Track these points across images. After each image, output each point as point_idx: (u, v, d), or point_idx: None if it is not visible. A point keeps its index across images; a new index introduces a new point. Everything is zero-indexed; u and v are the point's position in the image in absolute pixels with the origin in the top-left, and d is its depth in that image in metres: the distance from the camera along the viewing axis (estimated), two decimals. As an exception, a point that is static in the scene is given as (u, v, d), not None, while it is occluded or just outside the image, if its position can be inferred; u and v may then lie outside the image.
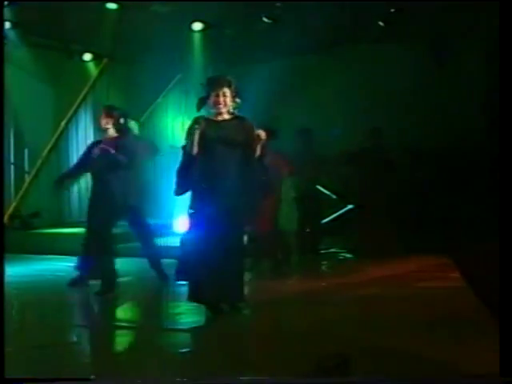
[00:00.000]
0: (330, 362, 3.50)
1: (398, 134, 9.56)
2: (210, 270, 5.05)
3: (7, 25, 9.78)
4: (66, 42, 10.66)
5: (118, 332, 5.25)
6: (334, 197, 10.67)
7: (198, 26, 10.71)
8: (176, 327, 5.15)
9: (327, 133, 10.25)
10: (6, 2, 9.25)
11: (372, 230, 8.18)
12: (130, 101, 12.30)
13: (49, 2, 9.16)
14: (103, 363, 4.25)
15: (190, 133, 5.11)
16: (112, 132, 6.37)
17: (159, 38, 10.34)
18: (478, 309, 3.72)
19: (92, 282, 6.41)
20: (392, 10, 9.51)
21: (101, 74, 11.59)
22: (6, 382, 3.42)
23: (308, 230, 8.61)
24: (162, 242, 9.91)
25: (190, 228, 5.31)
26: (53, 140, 10.55)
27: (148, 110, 12.34)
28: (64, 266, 7.71)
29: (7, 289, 6.06)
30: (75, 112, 11.43)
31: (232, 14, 9.93)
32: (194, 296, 5.22)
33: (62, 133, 11.19)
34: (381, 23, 9.83)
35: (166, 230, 10.52)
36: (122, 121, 6.35)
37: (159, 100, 12.24)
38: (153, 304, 6.36)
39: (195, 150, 5.07)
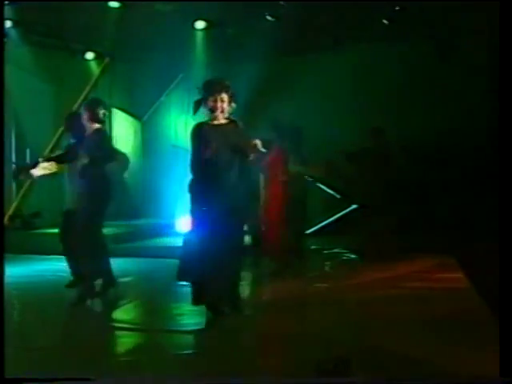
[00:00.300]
0: (329, 365, 3.50)
1: (400, 133, 9.51)
2: (211, 271, 5.06)
3: (8, 24, 9.74)
4: (67, 40, 10.61)
5: (119, 333, 5.21)
6: (338, 196, 10.60)
7: (200, 24, 10.68)
8: (178, 329, 5.13)
9: (330, 132, 10.22)
10: (6, 2, 9.24)
11: (375, 230, 8.12)
12: (132, 100, 12.31)
13: (51, 1, 9.15)
14: (103, 364, 4.22)
15: (193, 138, 5.20)
16: (90, 127, 6.07)
17: (162, 37, 10.32)
18: (482, 309, 3.69)
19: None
20: (396, 8, 9.45)
21: (103, 73, 11.53)
22: (6, 382, 3.43)
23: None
24: (163, 242, 9.94)
25: (192, 228, 5.30)
26: (54, 140, 10.48)
27: (151, 109, 12.31)
28: (65, 266, 7.65)
29: (8, 289, 6.10)
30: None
31: (235, 13, 9.90)
32: (197, 299, 5.22)
33: (63, 132, 11.13)
34: (385, 21, 9.78)
35: (168, 229, 10.48)
36: (101, 114, 6.04)
37: (162, 99, 12.20)
38: (154, 304, 6.29)
39: (201, 153, 5.12)
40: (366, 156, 8.25)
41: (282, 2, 9.65)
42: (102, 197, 6.00)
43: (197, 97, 5.30)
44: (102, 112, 6.02)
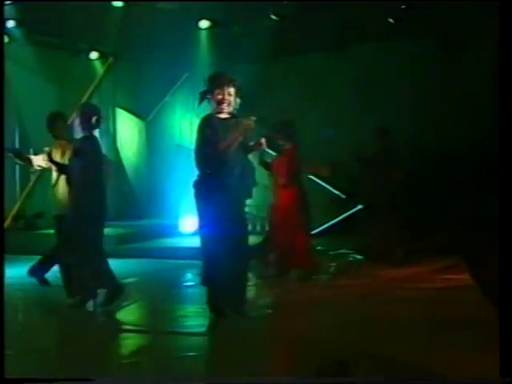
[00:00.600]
0: (329, 370, 3.50)
1: (406, 133, 9.44)
2: (222, 273, 5.05)
3: (12, 23, 9.70)
4: (71, 40, 10.56)
5: (122, 334, 5.18)
6: (344, 196, 10.54)
7: (204, 23, 10.62)
8: (181, 330, 5.09)
9: (335, 132, 10.16)
10: (10, 1, 9.21)
11: (381, 231, 8.05)
12: (136, 99, 12.26)
13: (54, 0, 9.11)
14: (106, 365, 4.21)
15: (201, 131, 5.11)
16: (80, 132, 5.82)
17: (166, 36, 10.27)
18: (489, 310, 3.68)
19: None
20: (403, 7, 9.37)
21: (107, 72, 11.49)
22: (6, 382, 3.42)
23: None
24: (167, 242, 9.89)
25: (206, 228, 5.19)
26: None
27: (155, 108, 12.26)
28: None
29: (12, 290, 6.08)
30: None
31: (239, 12, 9.85)
32: (214, 302, 5.17)
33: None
34: (391, 20, 9.70)
35: (172, 230, 10.43)
36: (93, 120, 5.77)
37: (166, 99, 12.14)
38: (157, 306, 6.24)
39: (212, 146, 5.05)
40: (376, 158, 8.15)
41: (285, 2, 9.59)
42: (95, 208, 5.71)
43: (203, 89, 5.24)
44: (95, 118, 5.77)
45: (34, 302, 6.38)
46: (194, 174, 5.28)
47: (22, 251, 8.14)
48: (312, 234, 8.43)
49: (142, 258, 8.72)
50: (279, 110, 9.52)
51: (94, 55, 11.38)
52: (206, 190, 5.09)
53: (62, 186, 6.20)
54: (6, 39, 9.92)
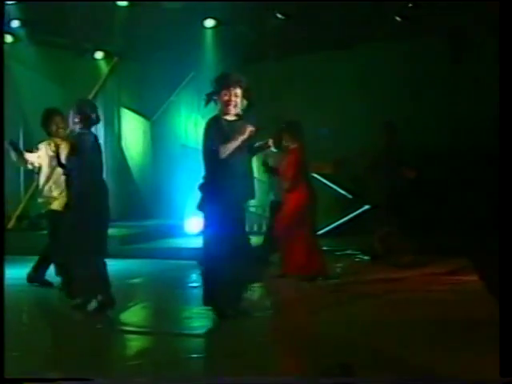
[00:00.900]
0: (332, 373, 3.48)
1: (414, 133, 9.38)
2: (228, 274, 5.01)
3: (17, 23, 9.69)
4: (76, 40, 10.53)
5: (127, 336, 5.14)
6: (350, 196, 10.48)
7: (210, 22, 10.60)
8: (186, 332, 5.06)
9: (342, 130, 10.10)
10: (15, 1, 9.20)
11: (388, 231, 7.99)
12: (141, 99, 12.23)
13: (60, 0, 9.09)
14: (111, 366, 4.20)
15: (208, 133, 5.06)
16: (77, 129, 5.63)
17: (171, 36, 10.25)
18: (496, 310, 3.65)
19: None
20: (409, 5, 9.31)
21: (112, 72, 11.47)
22: (6, 382, 3.41)
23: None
24: (173, 243, 9.85)
25: (213, 229, 5.14)
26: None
27: (160, 108, 12.23)
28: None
29: (15, 291, 6.05)
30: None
31: (244, 11, 9.81)
32: (208, 301, 5.17)
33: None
34: (397, 18, 9.63)
35: (177, 230, 10.39)
36: (90, 116, 5.59)
37: (172, 98, 12.10)
38: (162, 306, 6.18)
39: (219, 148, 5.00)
40: (384, 158, 8.07)
41: (291, 0, 9.54)
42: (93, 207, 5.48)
43: (209, 91, 5.20)
44: (91, 115, 5.58)
45: (38, 302, 6.35)
46: (199, 174, 5.24)
47: (26, 252, 8.10)
48: (318, 235, 8.38)
49: (146, 259, 8.68)
50: (285, 110, 9.47)
51: (98, 55, 11.36)
52: (211, 191, 5.06)
53: (54, 184, 6.12)
54: (11, 39, 9.94)
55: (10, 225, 9.73)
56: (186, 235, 10.18)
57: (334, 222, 10.29)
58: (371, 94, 10.19)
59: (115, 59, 11.46)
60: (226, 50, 10.62)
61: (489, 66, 9.48)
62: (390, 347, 4.28)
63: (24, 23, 9.77)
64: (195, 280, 7.52)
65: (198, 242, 9.33)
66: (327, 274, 6.92)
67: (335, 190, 10.43)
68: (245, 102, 5.17)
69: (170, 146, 12.04)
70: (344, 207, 10.38)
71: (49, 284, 6.65)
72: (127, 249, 8.97)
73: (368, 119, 9.60)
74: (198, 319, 5.30)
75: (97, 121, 5.70)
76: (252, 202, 5.43)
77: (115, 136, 12.00)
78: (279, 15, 9.90)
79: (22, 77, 9.96)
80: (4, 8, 7.84)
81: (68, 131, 6.08)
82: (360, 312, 5.44)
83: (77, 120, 5.56)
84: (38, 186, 6.22)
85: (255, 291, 5.84)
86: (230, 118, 5.12)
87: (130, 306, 5.95)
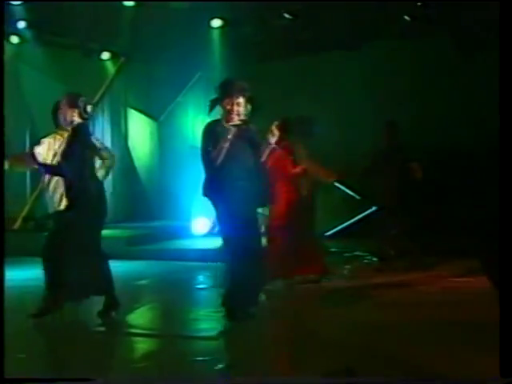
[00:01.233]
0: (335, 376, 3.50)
1: (421, 133, 9.32)
2: (241, 276, 5.00)
3: (23, 24, 9.69)
4: (82, 40, 10.52)
5: (134, 338, 5.11)
6: (358, 197, 10.42)
7: (216, 23, 10.57)
8: (193, 334, 5.02)
9: (350, 131, 10.05)
10: (21, 1, 9.19)
11: (397, 233, 7.93)
12: (148, 100, 12.21)
13: (66, 0, 9.08)
14: (117, 368, 4.19)
15: (206, 137, 5.13)
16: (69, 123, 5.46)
17: (177, 36, 10.22)
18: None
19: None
20: (418, 4, 9.25)
21: (118, 72, 11.44)
22: (6, 382, 3.41)
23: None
24: (179, 244, 9.81)
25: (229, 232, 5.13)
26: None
27: (167, 109, 12.20)
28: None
29: (21, 292, 6.04)
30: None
31: (251, 11, 9.78)
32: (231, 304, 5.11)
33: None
34: (407, 18, 9.57)
35: (184, 231, 10.36)
36: (88, 109, 5.51)
37: (179, 99, 12.07)
38: (169, 308, 6.14)
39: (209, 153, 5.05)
40: (390, 157, 7.99)
41: (298, 0, 9.50)
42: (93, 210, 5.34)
43: (213, 96, 5.23)
44: (85, 106, 5.45)
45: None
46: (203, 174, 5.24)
47: (32, 253, 8.07)
48: (326, 236, 8.33)
49: (153, 260, 8.66)
50: (291, 110, 9.41)
51: (105, 55, 11.34)
52: (212, 192, 5.11)
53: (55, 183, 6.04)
54: (18, 40, 9.95)
55: (16, 226, 9.73)
56: (192, 236, 10.15)
57: (342, 224, 10.24)
58: (380, 94, 10.13)
59: (122, 59, 11.43)
60: (233, 50, 10.59)
61: (498, 65, 9.42)
62: (391, 348, 4.27)
63: (30, 24, 9.77)
64: (202, 281, 7.51)
65: (205, 243, 9.38)
66: (326, 275, 6.83)
67: (343, 191, 10.39)
68: (249, 107, 5.19)
69: (176, 147, 12.00)
70: (352, 208, 10.33)
71: None
72: (133, 250, 8.96)
73: (378, 119, 9.54)
74: (205, 321, 5.29)
75: (87, 113, 5.53)
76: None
77: (122, 137, 11.99)
78: (286, 15, 9.86)
79: (28, 78, 9.96)
80: (4, 8, 7.79)
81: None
82: (368, 314, 5.39)
83: (67, 114, 5.45)
84: (43, 183, 6.11)
85: (265, 292, 5.79)
86: (231, 122, 5.12)
87: (137, 308, 5.93)
